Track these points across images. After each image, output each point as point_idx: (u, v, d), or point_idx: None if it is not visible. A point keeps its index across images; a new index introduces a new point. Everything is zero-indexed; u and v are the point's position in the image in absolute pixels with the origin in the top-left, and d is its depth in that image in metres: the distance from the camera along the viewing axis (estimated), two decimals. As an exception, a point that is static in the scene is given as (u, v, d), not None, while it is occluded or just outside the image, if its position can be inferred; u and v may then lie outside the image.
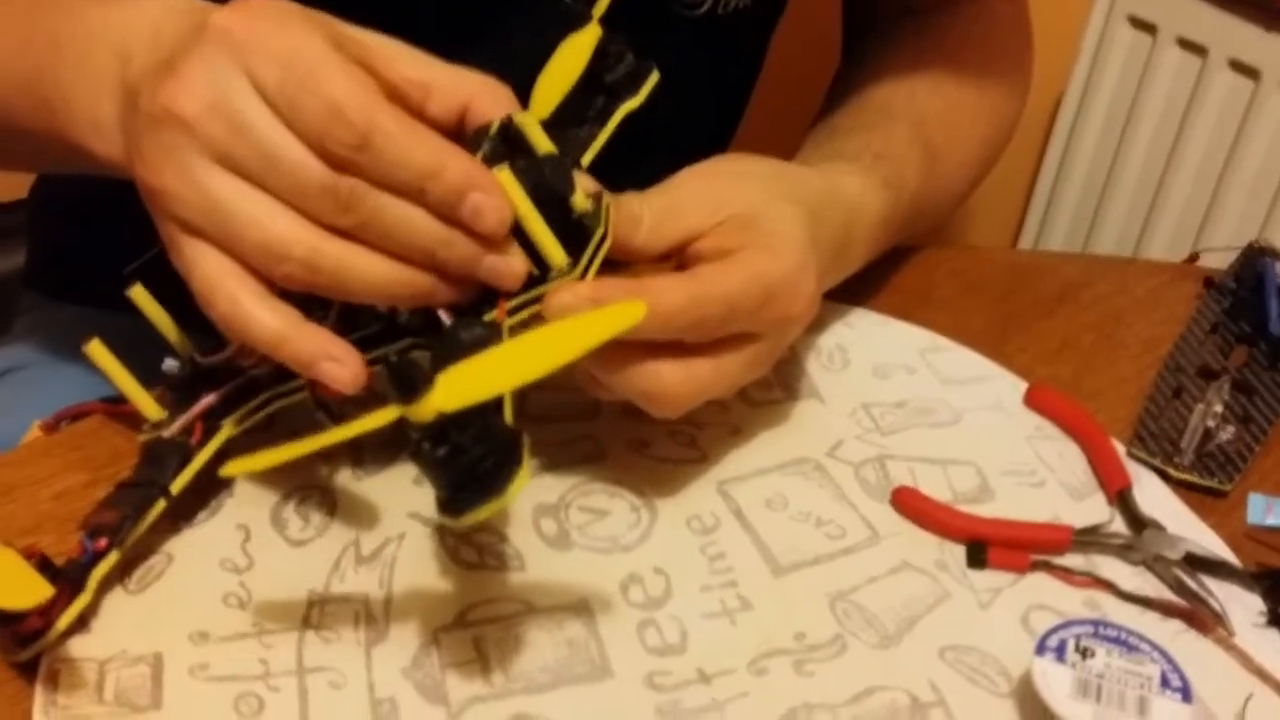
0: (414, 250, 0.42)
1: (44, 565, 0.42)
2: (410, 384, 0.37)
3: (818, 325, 0.62)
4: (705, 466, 0.54)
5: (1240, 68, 1.08)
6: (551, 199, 0.44)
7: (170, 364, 0.49)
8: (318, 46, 0.40)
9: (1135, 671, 0.43)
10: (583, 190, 0.45)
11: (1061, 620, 0.45)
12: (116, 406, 0.52)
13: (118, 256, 0.74)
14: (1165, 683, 0.43)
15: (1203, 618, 0.49)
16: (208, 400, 0.47)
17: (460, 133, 0.45)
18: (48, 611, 0.42)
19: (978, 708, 0.45)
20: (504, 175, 0.42)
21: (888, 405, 0.59)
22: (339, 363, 0.42)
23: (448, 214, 0.41)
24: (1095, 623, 0.45)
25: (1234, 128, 1.09)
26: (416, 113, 0.44)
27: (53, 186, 0.78)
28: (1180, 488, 0.56)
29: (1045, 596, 0.50)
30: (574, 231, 0.45)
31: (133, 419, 0.50)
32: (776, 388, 0.59)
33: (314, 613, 0.46)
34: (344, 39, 0.42)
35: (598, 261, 0.46)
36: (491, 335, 0.43)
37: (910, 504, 0.53)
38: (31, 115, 0.49)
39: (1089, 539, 0.52)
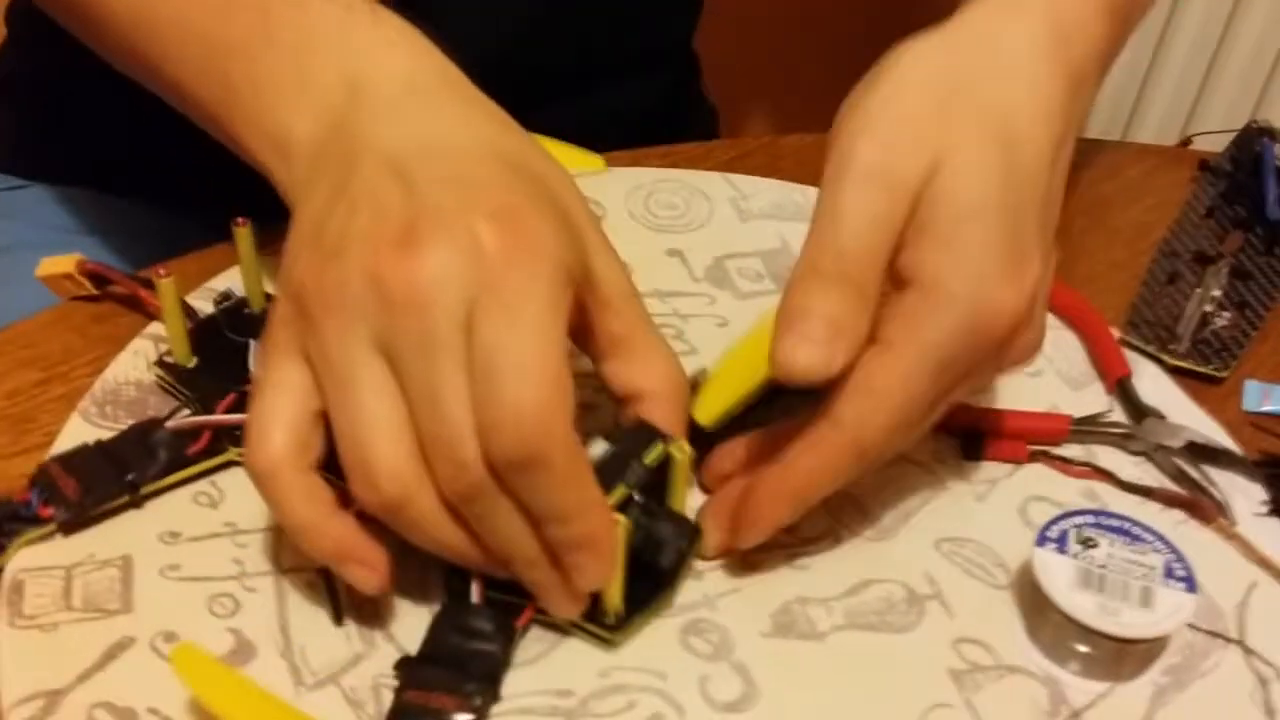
0: (498, 549, 0.38)
1: None
2: None
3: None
4: (691, 359, 0.52)
5: (1236, -56, 1.06)
6: (650, 558, 0.41)
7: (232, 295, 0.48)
8: (547, 323, 0.36)
9: (1139, 562, 0.42)
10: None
11: (1061, 511, 0.44)
12: (146, 291, 0.49)
13: (87, 137, 0.71)
14: (1169, 573, 0.42)
15: (1204, 507, 0.48)
16: (227, 417, 0.44)
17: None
18: None
19: (975, 599, 0.44)
20: (621, 526, 0.39)
21: (880, 293, 0.57)
22: (364, 566, 0.38)
23: (551, 550, 0.38)
24: (1097, 513, 0.44)
25: (1228, 7, 1.07)
26: (595, 359, 0.43)
27: (16, 63, 0.74)
28: (1175, 374, 0.55)
29: (1043, 487, 0.49)
30: (647, 574, 0.42)
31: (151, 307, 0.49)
32: (767, 278, 0.57)
33: (289, 512, 0.44)
34: (590, 273, 0.40)
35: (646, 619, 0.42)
36: (505, 648, 0.40)
37: (904, 394, 0.51)
38: (200, 80, 0.44)
39: (1088, 428, 0.50)
